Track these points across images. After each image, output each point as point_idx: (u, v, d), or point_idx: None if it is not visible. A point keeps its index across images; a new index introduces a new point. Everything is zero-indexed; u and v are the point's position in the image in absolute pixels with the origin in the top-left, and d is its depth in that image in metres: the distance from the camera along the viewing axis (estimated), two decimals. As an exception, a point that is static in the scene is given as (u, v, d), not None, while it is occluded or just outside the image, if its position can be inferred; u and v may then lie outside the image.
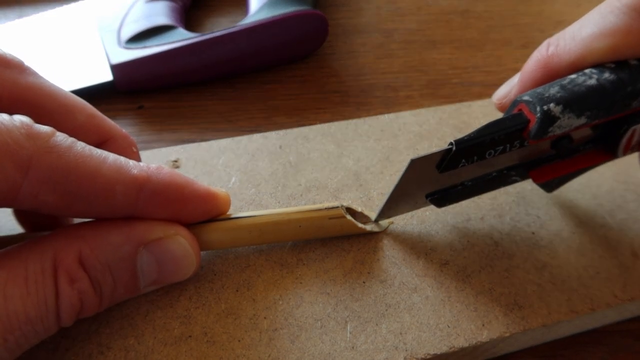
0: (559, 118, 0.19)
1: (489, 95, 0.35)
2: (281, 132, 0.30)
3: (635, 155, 0.24)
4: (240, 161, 0.28)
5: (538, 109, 0.20)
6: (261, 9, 0.36)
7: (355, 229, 0.23)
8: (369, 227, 0.24)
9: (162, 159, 0.28)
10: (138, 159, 0.23)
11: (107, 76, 0.34)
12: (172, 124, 0.33)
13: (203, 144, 0.29)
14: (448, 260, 0.23)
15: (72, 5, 0.41)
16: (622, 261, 0.23)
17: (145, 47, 0.34)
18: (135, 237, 0.19)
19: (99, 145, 0.22)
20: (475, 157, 0.21)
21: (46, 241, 0.18)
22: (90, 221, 0.19)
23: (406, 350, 0.20)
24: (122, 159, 0.19)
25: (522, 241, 0.24)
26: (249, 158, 0.28)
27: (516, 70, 0.24)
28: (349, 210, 0.24)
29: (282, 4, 0.36)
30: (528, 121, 0.20)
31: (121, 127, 0.23)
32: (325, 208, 0.23)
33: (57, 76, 0.34)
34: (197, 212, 0.21)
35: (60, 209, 0.17)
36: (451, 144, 0.20)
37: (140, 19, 0.36)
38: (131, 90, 0.35)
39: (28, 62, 0.21)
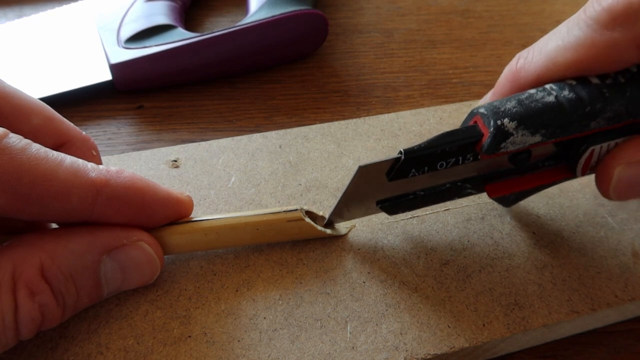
0: (512, 134, 0.19)
1: (489, 95, 0.35)
2: (281, 132, 0.30)
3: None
4: (240, 161, 0.28)
5: (492, 122, 0.19)
6: (261, 8, 0.36)
7: (315, 232, 0.23)
8: (329, 231, 0.24)
9: (162, 159, 0.28)
10: (98, 162, 0.23)
11: (106, 76, 0.34)
12: (171, 124, 0.33)
13: (203, 143, 0.29)
14: (448, 260, 0.23)
15: (72, 4, 0.41)
16: (623, 261, 0.23)
17: (144, 46, 0.34)
18: (98, 245, 0.19)
19: (56, 148, 0.21)
20: (426, 168, 0.20)
21: (4, 252, 0.17)
22: (50, 229, 0.19)
23: (406, 351, 0.20)
24: (80, 161, 0.18)
25: (522, 241, 0.24)
26: (249, 158, 0.28)
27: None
28: (309, 213, 0.23)
29: (282, 4, 0.36)
30: (482, 135, 0.19)
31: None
32: (284, 211, 0.22)
33: (57, 76, 0.34)
34: (159, 216, 0.21)
35: (13, 211, 0.17)
36: (400, 152, 0.20)
37: (140, 18, 0.36)
38: (130, 89, 0.35)
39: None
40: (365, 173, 0.20)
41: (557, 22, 0.43)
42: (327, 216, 0.23)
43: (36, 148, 0.17)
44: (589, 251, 0.24)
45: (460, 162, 0.20)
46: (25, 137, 0.18)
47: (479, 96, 0.35)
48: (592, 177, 0.26)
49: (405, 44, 0.41)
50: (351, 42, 0.41)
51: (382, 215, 0.25)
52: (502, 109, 0.19)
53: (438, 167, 0.20)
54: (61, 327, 0.21)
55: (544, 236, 0.24)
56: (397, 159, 0.20)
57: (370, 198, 0.22)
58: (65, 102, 0.34)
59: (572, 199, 0.26)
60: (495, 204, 0.26)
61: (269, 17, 0.35)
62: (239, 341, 0.20)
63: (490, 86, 0.36)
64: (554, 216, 0.25)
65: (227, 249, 0.23)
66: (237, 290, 0.22)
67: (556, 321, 0.21)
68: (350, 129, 0.30)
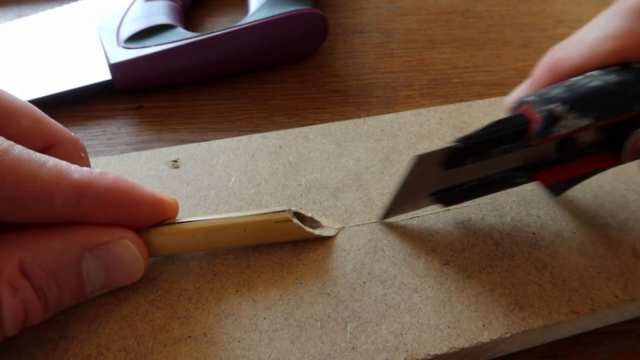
0: (562, 118, 0.20)
1: (490, 95, 0.35)
2: (281, 132, 0.30)
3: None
4: (240, 161, 0.28)
5: (542, 108, 0.20)
6: (261, 8, 0.36)
7: (303, 233, 0.23)
8: (317, 232, 0.24)
9: (162, 159, 0.28)
10: (86, 164, 0.23)
11: (105, 75, 0.34)
12: (171, 124, 0.33)
13: (203, 143, 0.29)
14: (448, 261, 0.23)
15: (71, 4, 0.41)
16: (623, 261, 0.23)
17: (144, 46, 0.34)
18: (79, 242, 0.19)
19: (44, 150, 0.21)
20: (480, 156, 0.21)
21: None
22: (32, 227, 0.19)
23: (406, 351, 0.20)
24: (63, 163, 0.18)
25: (522, 241, 0.24)
26: (249, 158, 0.28)
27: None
28: (298, 214, 0.23)
29: (282, 4, 0.36)
30: (532, 121, 0.20)
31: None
32: (272, 212, 0.22)
33: (56, 75, 0.34)
34: (143, 217, 0.21)
35: None
36: (457, 140, 0.20)
37: (140, 18, 0.36)
38: (130, 89, 0.35)
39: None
40: (421, 162, 0.20)
41: (557, 22, 0.43)
42: (378, 211, 0.24)
43: (19, 150, 0.17)
44: (589, 251, 0.24)
45: (512, 150, 0.21)
46: (14, 139, 0.18)
47: (479, 96, 0.35)
48: (593, 177, 0.26)
49: (405, 44, 0.41)
50: (351, 42, 0.41)
51: (379, 216, 0.25)
52: (551, 95, 0.20)
53: (491, 154, 0.21)
54: (61, 327, 0.21)
55: (544, 236, 0.24)
56: (453, 147, 0.20)
57: (426, 189, 0.22)
58: (64, 102, 0.34)
59: (572, 199, 0.26)
60: (495, 205, 0.26)
61: (269, 17, 0.35)
62: (239, 341, 0.20)
63: (490, 86, 0.36)
64: (554, 216, 0.25)
65: (226, 250, 0.23)
66: (237, 291, 0.22)
67: (556, 321, 0.21)
68: (350, 129, 0.30)
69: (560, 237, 0.24)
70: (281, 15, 0.35)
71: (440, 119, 0.31)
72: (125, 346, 0.20)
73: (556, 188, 0.24)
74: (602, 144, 0.23)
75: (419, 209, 0.24)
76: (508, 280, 0.22)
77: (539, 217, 0.25)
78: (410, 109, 0.32)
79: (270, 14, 0.35)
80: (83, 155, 0.23)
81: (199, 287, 0.22)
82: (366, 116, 0.31)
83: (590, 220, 0.25)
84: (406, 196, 0.23)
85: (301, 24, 0.36)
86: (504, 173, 0.23)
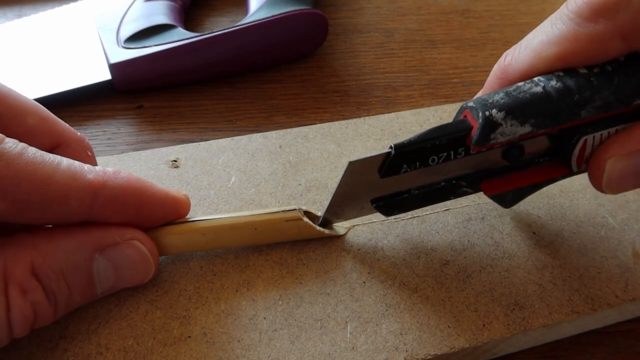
0: (500, 125, 0.19)
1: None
2: (281, 132, 0.30)
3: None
4: (240, 161, 0.28)
5: (480, 114, 0.19)
6: (261, 8, 0.36)
7: (313, 232, 0.23)
8: (327, 231, 0.23)
9: (162, 159, 0.28)
10: (93, 163, 0.23)
11: (105, 75, 0.34)
12: (171, 124, 0.33)
13: (203, 143, 0.29)
14: (448, 260, 0.23)
15: (71, 4, 0.41)
16: (623, 261, 0.23)
17: (144, 46, 0.34)
18: (90, 243, 0.19)
19: (51, 149, 0.21)
20: (418, 163, 0.20)
21: None
22: (43, 228, 0.19)
23: (406, 351, 0.20)
24: (76, 163, 0.18)
25: (522, 241, 0.24)
26: (249, 158, 0.28)
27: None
28: (308, 213, 0.23)
29: (282, 4, 0.36)
30: (471, 127, 0.19)
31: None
32: (282, 211, 0.22)
33: (56, 75, 0.34)
34: (156, 216, 0.21)
35: (11, 216, 0.17)
36: (391, 147, 0.19)
37: (139, 18, 0.36)
38: (130, 89, 0.35)
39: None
40: (356, 169, 0.20)
41: (557, 22, 0.43)
42: (321, 215, 0.23)
43: (32, 152, 0.17)
44: (589, 251, 0.24)
45: (452, 157, 0.20)
46: (21, 138, 0.18)
47: (479, 96, 0.35)
48: (544, 187, 0.26)
49: (405, 43, 0.41)
50: (351, 42, 0.41)
51: (382, 216, 0.25)
52: (490, 101, 0.19)
53: (430, 162, 0.20)
54: (61, 327, 0.21)
55: (545, 236, 0.24)
56: (387, 154, 0.20)
57: (364, 196, 0.22)
58: (64, 102, 0.34)
59: (572, 199, 0.26)
60: (496, 204, 0.26)
61: (268, 17, 0.35)
62: (239, 341, 0.20)
63: (490, 86, 0.36)
64: (555, 216, 0.25)
65: (227, 249, 0.23)
66: (237, 291, 0.22)
67: (556, 321, 0.21)
68: (350, 129, 0.30)
69: (560, 237, 0.24)
70: (281, 15, 0.35)
71: (441, 119, 0.31)
72: (125, 346, 0.20)
73: (504, 199, 0.23)
74: (552, 153, 0.22)
75: (363, 215, 0.23)
76: (508, 280, 0.22)
77: (539, 217, 0.25)
78: (411, 109, 0.32)
79: (270, 14, 0.35)
80: (90, 154, 0.23)
81: (198, 287, 0.22)
82: (366, 116, 0.31)
83: (590, 220, 0.25)
84: (346, 202, 0.22)
85: (301, 24, 0.36)
86: (447, 182, 0.22)
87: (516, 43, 0.22)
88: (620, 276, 0.23)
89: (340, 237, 0.24)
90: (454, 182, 0.22)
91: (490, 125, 0.19)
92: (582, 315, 0.21)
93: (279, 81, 0.37)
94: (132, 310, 0.21)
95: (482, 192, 0.22)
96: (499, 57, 0.22)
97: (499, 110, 0.19)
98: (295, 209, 0.22)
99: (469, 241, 0.24)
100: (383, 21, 0.43)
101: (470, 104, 0.20)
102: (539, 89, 0.19)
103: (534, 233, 0.24)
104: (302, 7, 0.35)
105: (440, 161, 0.20)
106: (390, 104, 0.35)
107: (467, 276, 0.23)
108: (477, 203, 0.26)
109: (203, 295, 0.22)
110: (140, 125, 0.33)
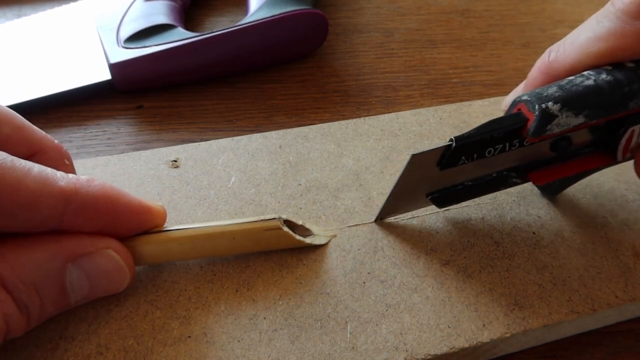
0: (557, 116, 0.20)
1: (490, 95, 0.35)
2: (281, 132, 0.30)
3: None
4: (240, 161, 0.28)
5: (536, 107, 0.20)
6: (261, 8, 0.36)
7: (294, 241, 0.23)
8: (308, 240, 0.23)
9: (162, 159, 0.28)
10: (71, 171, 0.22)
11: (105, 75, 0.34)
12: (171, 124, 0.33)
13: (203, 143, 0.29)
14: (448, 260, 0.23)
15: (71, 4, 0.41)
16: (623, 261, 0.23)
17: (144, 46, 0.34)
18: (62, 253, 0.18)
19: (28, 157, 0.21)
20: (475, 155, 0.21)
21: None
22: (13, 237, 0.18)
23: (406, 351, 0.20)
24: (48, 170, 0.18)
25: (522, 241, 0.24)
26: (249, 158, 0.28)
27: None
28: (288, 222, 0.23)
29: (282, 4, 0.36)
30: (527, 119, 0.20)
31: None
32: (262, 220, 0.22)
33: (56, 75, 0.34)
34: (130, 225, 0.21)
35: None
36: (451, 140, 0.20)
37: (139, 18, 0.36)
38: (130, 89, 0.35)
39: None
40: (417, 162, 0.20)
41: (558, 22, 0.43)
42: (378, 210, 0.24)
43: (2, 157, 0.17)
44: (589, 251, 0.24)
45: (507, 149, 0.21)
46: None
47: (480, 96, 0.35)
48: (593, 176, 0.26)
49: (405, 43, 0.41)
50: (351, 42, 0.41)
51: (378, 215, 0.25)
52: (545, 94, 0.20)
53: (486, 154, 0.21)
54: (61, 327, 0.21)
55: (545, 236, 0.24)
56: (448, 146, 0.20)
57: (421, 189, 0.22)
58: (64, 102, 0.34)
59: (572, 198, 0.26)
60: (495, 204, 0.26)
61: (268, 17, 0.35)
62: (239, 341, 0.20)
63: (490, 86, 0.36)
64: (554, 216, 0.25)
65: (209, 259, 0.23)
66: (237, 291, 0.22)
67: (556, 321, 0.21)
68: (350, 129, 0.30)
69: (561, 237, 0.24)
70: (281, 15, 0.35)
71: (441, 119, 0.31)
72: (125, 346, 0.20)
73: (551, 188, 0.24)
74: (597, 143, 0.23)
75: (416, 209, 0.24)
76: (508, 280, 0.22)
77: (539, 217, 0.25)
78: (411, 109, 0.32)
79: (270, 14, 0.35)
80: (67, 162, 0.23)
81: (198, 287, 0.22)
82: (366, 116, 0.31)
83: (590, 220, 0.25)
84: (402, 196, 0.23)
85: (301, 24, 0.36)
86: (499, 173, 0.23)
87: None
88: (620, 276, 0.23)
89: (339, 237, 0.24)
90: (505, 173, 0.23)
91: (547, 117, 0.20)
92: (582, 315, 0.21)
93: (279, 81, 0.37)
94: (132, 310, 0.21)
95: (528, 183, 0.23)
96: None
97: (555, 103, 0.20)
98: (275, 218, 0.22)
99: (469, 241, 0.24)
100: (383, 21, 0.43)
101: (525, 97, 0.21)
102: (590, 82, 0.20)
103: (534, 233, 0.24)
104: (302, 7, 0.35)
105: (495, 153, 0.21)
106: (390, 104, 0.35)
107: (467, 276, 0.23)
108: (477, 203, 0.26)
109: (203, 295, 0.22)
110: (140, 125, 0.33)
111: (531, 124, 0.20)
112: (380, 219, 0.24)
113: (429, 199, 0.23)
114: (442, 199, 0.23)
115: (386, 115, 0.31)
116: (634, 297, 0.22)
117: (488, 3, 0.45)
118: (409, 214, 0.25)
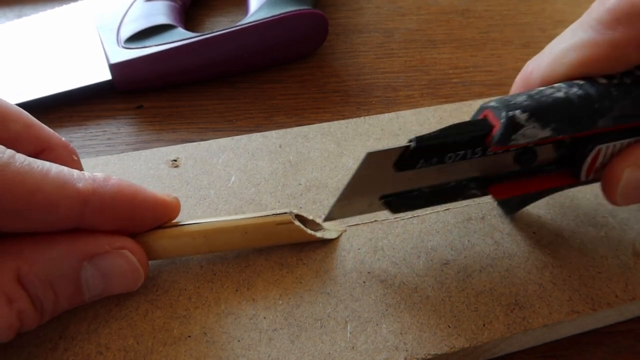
0: (523, 126, 0.19)
1: (490, 95, 0.35)
2: (281, 132, 0.30)
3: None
4: (240, 160, 0.28)
5: (503, 114, 0.19)
6: (261, 8, 0.36)
7: (305, 235, 0.23)
8: (319, 234, 0.23)
9: (162, 159, 0.28)
10: (79, 168, 0.22)
11: (105, 75, 0.34)
12: (171, 124, 0.33)
13: (203, 143, 0.29)
14: (448, 260, 0.23)
15: (72, 4, 0.41)
16: (623, 261, 0.23)
17: (144, 46, 0.34)
18: (78, 252, 0.19)
19: (36, 154, 0.21)
20: (435, 159, 0.20)
21: None
22: (30, 235, 0.18)
23: (406, 351, 0.20)
24: (65, 171, 0.18)
25: (523, 241, 0.24)
26: (249, 157, 0.28)
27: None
28: (299, 217, 0.23)
29: (282, 4, 0.36)
30: (492, 127, 0.20)
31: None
32: (273, 214, 0.22)
33: (56, 75, 0.34)
34: (146, 221, 0.21)
35: None
36: (411, 140, 0.19)
37: (140, 18, 0.36)
38: (130, 89, 0.35)
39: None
40: (372, 160, 0.20)
41: (558, 22, 0.43)
42: (327, 210, 0.23)
43: (20, 161, 0.17)
44: (589, 251, 0.24)
45: (469, 157, 0.20)
46: (5, 144, 0.17)
47: (480, 96, 0.35)
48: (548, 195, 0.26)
49: (405, 43, 0.41)
50: (351, 42, 0.41)
51: (383, 214, 0.25)
52: (513, 102, 0.19)
53: (446, 159, 0.20)
54: (61, 327, 0.21)
55: (545, 236, 0.24)
56: (406, 147, 0.19)
57: (375, 191, 0.21)
58: (64, 102, 0.34)
59: (572, 198, 0.26)
60: (496, 204, 0.26)
61: (269, 17, 0.35)
62: (239, 341, 0.20)
63: (490, 86, 0.36)
64: (555, 216, 0.25)
65: (223, 253, 0.23)
66: (237, 290, 0.22)
67: (556, 321, 0.21)
68: (351, 129, 0.30)
69: (561, 237, 0.24)
70: (281, 15, 0.35)
71: (441, 118, 0.31)
72: (125, 346, 0.20)
73: (510, 204, 0.23)
74: (561, 162, 0.22)
75: (369, 212, 0.23)
76: (508, 280, 0.22)
77: (539, 217, 0.25)
78: (411, 109, 0.32)
79: (270, 14, 0.35)
80: (75, 158, 0.23)
81: (198, 287, 0.22)
82: (366, 116, 0.31)
83: (590, 220, 0.25)
84: (355, 197, 0.21)
85: (301, 24, 0.36)
86: (458, 183, 0.22)
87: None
88: (620, 276, 0.23)
89: (338, 237, 0.24)
90: (464, 183, 0.22)
91: (513, 125, 0.19)
92: (582, 315, 0.21)
93: (279, 81, 0.37)
94: (132, 310, 0.21)
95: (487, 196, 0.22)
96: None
97: (523, 112, 0.19)
98: (286, 212, 0.22)
99: (469, 241, 0.24)
100: (383, 21, 0.43)
101: (492, 103, 0.20)
102: (561, 94, 0.20)
103: (534, 233, 0.24)
104: (302, 7, 0.35)
105: (456, 159, 0.20)
106: (390, 104, 0.35)
107: (467, 276, 0.23)
108: (477, 203, 0.26)
109: (203, 295, 0.22)
110: (140, 125, 0.33)
111: (496, 132, 0.19)
112: (329, 219, 0.23)
113: (382, 202, 0.22)
114: (397, 203, 0.22)
115: (386, 114, 0.31)
116: (634, 297, 0.22)
117: (488, 3, 0.45)
118: (408, 214, 0.25)
